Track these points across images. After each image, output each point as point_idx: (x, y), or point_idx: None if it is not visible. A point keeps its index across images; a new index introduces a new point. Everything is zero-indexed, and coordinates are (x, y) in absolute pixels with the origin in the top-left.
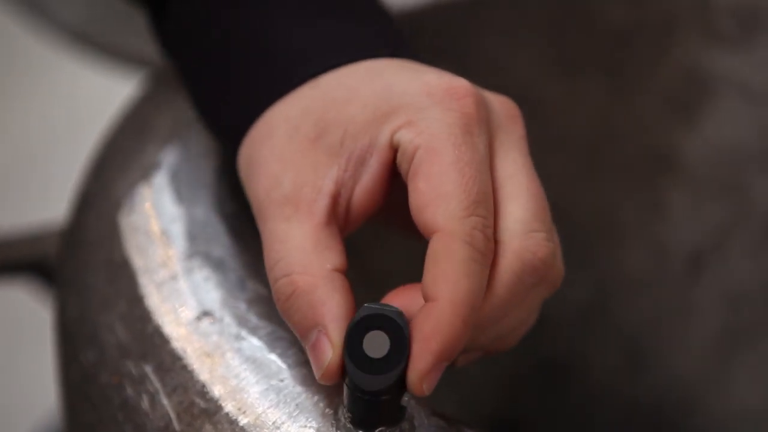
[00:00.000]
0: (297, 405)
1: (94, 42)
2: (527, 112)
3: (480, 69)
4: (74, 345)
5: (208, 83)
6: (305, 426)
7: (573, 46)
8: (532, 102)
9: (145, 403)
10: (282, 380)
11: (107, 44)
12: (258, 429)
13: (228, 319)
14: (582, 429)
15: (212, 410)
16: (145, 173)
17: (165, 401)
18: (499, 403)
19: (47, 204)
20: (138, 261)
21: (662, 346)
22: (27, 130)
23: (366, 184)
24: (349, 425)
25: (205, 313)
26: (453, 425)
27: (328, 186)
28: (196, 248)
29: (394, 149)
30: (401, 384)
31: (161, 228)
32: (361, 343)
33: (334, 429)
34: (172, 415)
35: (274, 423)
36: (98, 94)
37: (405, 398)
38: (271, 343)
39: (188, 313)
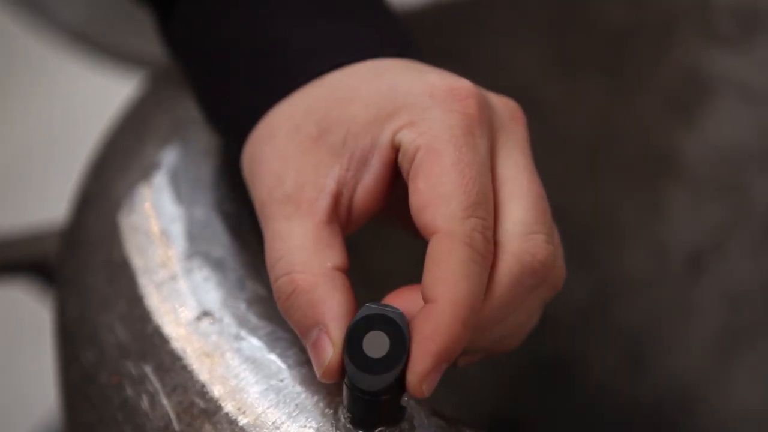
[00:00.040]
0: (297, 405)
1: (94, 42)
2: (527, 112)
3: (480, 69)
4: (74, 345)
5: (213, 83)
6: (305, 426)
7: (573, 46)
8: (532, 102)
9: (144, 403)
10: (282, 380)
11: (107, 44)
12: (258, 429)
13: (228, 319)
14: (582, 429)
15: (212, 410)
16: (145, 173)
17: (165, 401)
18: (499, 403)
19: (47, 204)
20: (138, 261)
21: (662, 346)
22: (27, 130)
23: (368, 183)
24: (348, 425)
25: (205, 313)
26: (453, 425)
27: (329, 185)
28: (196, 248)
29: (395, 149)
30: (401, 384)
31: (161, 228)
32: (361, 342)
33: (334, 429)
34: (172, 415)
35: (273, 423)
36: (98, 94)
37: (405, 398)
38: (271, 343)
39: (188, 313)
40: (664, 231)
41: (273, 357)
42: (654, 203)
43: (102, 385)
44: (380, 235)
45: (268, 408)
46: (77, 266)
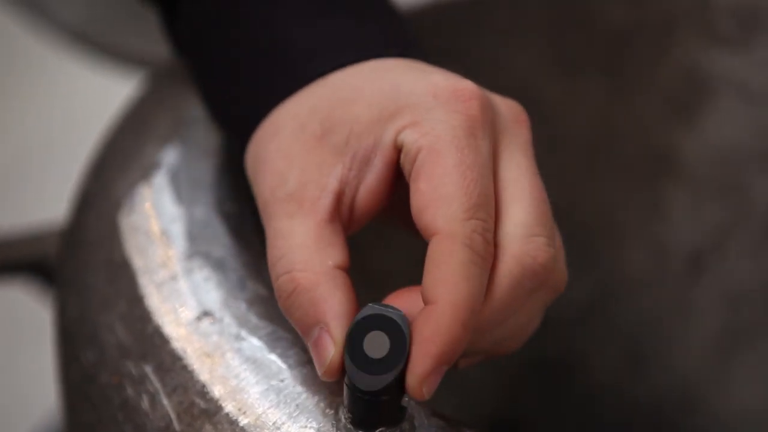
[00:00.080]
0: (297, 405)
1: (94, 42)
2: (527, 112)
3: (480, 69)
4: (74, 345)
5: (218, 82)
6: (305, 426)
7: (573, 46)
8: (532, 102)
9: (145, 404)
10: (282, 380)
11: (107, 44)
12: (258, 429)
13: (228, 320)
14: (582, 429)
15: (212, 410)
16: (145, 173)
17: (165, 401)
18: (499, 403)
19: (47, 204)
20: (138, 261)
21: (662, 346)
22: (27, 130)
23: (370, 183)
24: (349, 426)
25: (205, 314)
26: (453, 425)
27: (332, 184)
28: (196, 248)
29: (398, 149)
30: (401, 385)
31: (161, 228)
32: (361, 342)
33: (335, 429)
34: (172, 416)
35: (274, 423)
36: (98, 94)
37: (405, 399)
38: (272, 344)
39: (188, 313)
40: (664, 231)
41: (273, 357)
42: (654, 203)
43: (102, 385)
44: (381, 235)
45: (268, 408)
46: (77, 266)
